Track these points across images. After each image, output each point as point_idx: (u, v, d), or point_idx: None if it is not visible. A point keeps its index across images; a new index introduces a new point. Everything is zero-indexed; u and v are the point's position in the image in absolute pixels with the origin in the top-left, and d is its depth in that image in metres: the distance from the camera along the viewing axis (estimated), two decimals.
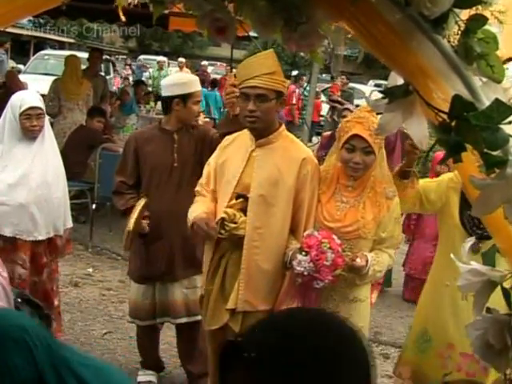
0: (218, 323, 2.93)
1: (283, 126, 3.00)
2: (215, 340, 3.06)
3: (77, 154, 6.55)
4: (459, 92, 1.18)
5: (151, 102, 10.62)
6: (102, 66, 13.14)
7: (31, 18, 17.44)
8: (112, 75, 16.28)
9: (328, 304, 2.91)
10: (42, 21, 18.04)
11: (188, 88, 3.53)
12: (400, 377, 3.36)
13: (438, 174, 4.33)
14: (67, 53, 10.17)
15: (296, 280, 2.77)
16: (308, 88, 11.34)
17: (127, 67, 21.16)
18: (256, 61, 2.86)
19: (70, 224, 3.92)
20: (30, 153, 3.64)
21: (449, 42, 1.26)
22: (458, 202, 3.03)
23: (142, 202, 3.45)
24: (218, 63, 25.28)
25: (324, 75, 17.90)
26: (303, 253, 2.70)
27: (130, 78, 16.77)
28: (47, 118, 3.98)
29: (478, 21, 1.17)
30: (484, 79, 1.22)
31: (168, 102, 3.52)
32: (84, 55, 9.47)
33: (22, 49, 21.87)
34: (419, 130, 1.35)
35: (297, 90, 12.57)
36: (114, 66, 17.93)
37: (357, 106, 7.57)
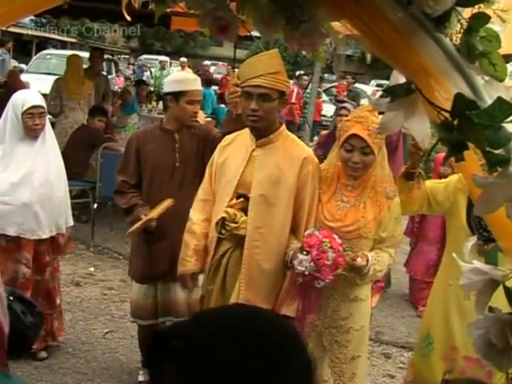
0: None
1: (284, 126, 3.00)
2: None
3: (78, 153, 6.55)
4: (461, 90, 1.18)
5: (153, 102, 10.62)
6: (104, 65, 13.16)
7: (33, 18, 17.46)
8: (114, 75, 16.28)
9: (329, 303, 2.91)
10: (44, 20, 18.06)
11: (181, 86, 3.51)
12: (406, 379, 3.37)
13: (441, 176, 4.32)
14: (69, 52, 10.18)
15: (297, 279, 2.76)
16: (309, 87, 11.34)
17: (131, 67, 21.17)
18: (260, 60, 2.85)
19: (71, 222, 3.95)
20: (32, 152, 3.66)
21: (451, 40, 1.26)
22: (466, 203, 3.01)
23: (170, 203, 3.42)
24: (220, 63, 25.26)
25: (327, 75, 17.88)
26: (304, 252, 2.70)
27: (132, 78, 16.77)
28: (48, 117, 3.99)
29: (481, 19, 1.17)
30: (486, 78, 1.22)
31: (164, 99, 3.57)
32: (86, 55, 9.46)
33: (24, 48, 21.88)
34: (421, 129, 1.35)
35: (295, 89, 12.53)
36: (116, 65, 17.92)
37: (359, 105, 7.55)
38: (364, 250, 2.85)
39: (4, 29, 18.93)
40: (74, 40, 23.96)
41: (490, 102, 1.14)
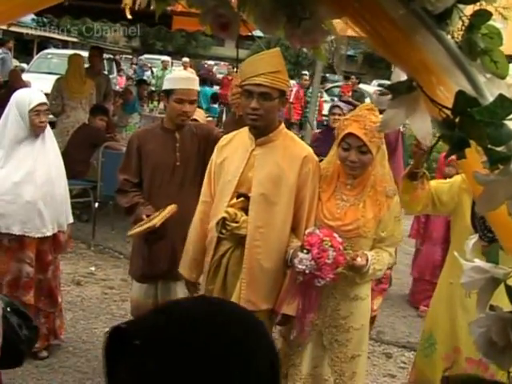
0: None
1: (283, 125, 2.99)
2: None
3: (79, 152, 6.56)
4: (463, 88, 1.17)
5: (154, 102, 10.63)
6: (105, 64, 13.17)
7: (35, 17, 17.47)
8: (115, 74, 16.28)
9: (329, 302, 2.91)
10: (45, 20, 18.07)
11: (171, 84, 3.52)
12: (409, 380, 3.37)
13: (445, 176, 4.30)
14: (70, 52, 10.19)
15: (297, 278, 2.76)
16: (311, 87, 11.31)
17: (133, 66, 21.20)
18: (262, 58, 2.85)
19: (71, 219, 3.98)
20: (33, 151, 3.67)
21: (452, 37, 1.25)
22: (470, 203, 3.00)
23: (173, 209, 3.40)
24: (222, 63, 25.29)
25: (328, 75, 17.88)
26: (304, 251, 2.70)
27: (133, 78, 16.78)
28: (50, 116, 4.00)
29: (482, 16, 1.16)
30: (488, 76, 1.22)
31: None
32: (87, 54, 9.47)
33: (26, 48, 21.90)
34: (423, 127, 1.35)
35: (294, 89, 12.51)
36: (119, 65, 17.93)
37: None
38: (364, 249, 2.85)
39: (5, 28, 18.97)
40: (75, 39, 23.98)
41: (491, 99, 1.13)
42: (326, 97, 15.27)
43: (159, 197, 3.51)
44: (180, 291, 3.52)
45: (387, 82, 1.39)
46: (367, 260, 2.79)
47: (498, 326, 1.24)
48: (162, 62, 17.65)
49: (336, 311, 2.92)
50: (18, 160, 3.63)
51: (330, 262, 2.66)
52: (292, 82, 12.90)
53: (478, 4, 1.21)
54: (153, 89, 12.94)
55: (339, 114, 5.79)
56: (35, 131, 3.66)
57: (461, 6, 1.22)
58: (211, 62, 20.44)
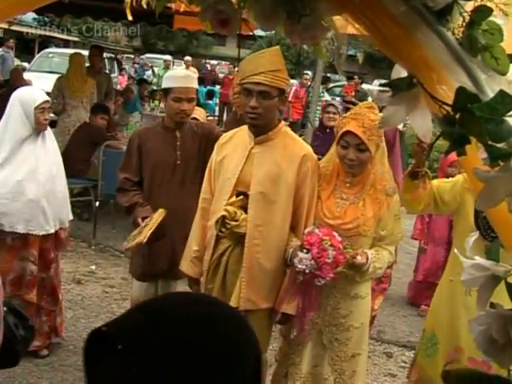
0: None
1: (282, 123, 2.98)
2: None
3: (80, 151, 6.56)
4: (463, 84, 1.17)
5: (156, 101, 10.63)
6: (107, 64, 13.16)
7: (36, 16, 17.48)
8: (116, 73, 16.28)
9: (329, 301, 2.90)
10: (46, 19, 18.09)
11: (168, 82, 3.52)
12: (410, 379, 3.36)
13: (448, 176, 4.27)
14: (72, 51, 10.19)
15: (297, 277, 2.75)
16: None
17: (135, 66, 21.20)
18: (262, 57, 2.84)
19: (71, 216, 4.00)
20: (35, 149, 3.69)
21: (453, 34, 1.25)
22: (473, 203, 2.99)
23: (161, 215, 3.40)
24: (223, 62, 25.30)
25: (329, 74, 17.88)
26: (304, 250, 2.69)
27: (134, 77, 16.80)
28: (51, 115, 4.00)
29: (483, 12, 1.16)
30: (489, 73, 1.21)
31: None
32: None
33: (27, 47, 21.91)
34: (423, 124, 1.34)
35: (293, 88, 12.49)
36: (120, 64, 17.93)
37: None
38: (364, 247, 2.84)
39: (7, 27, 18.97)
40: (76, 39, 23.98)
41: (492, 95, 1.13)
42: (327, 96, 15.25)
43: (159, 195, 3.51)
44: (180, 290, 3.52)
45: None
46: (367, 258, 2.78)
47: (499, 324, 1.23)
48: (165, 61, 17.68)
49: (336, 310, 2.91)
50: (21, 158, 3.64)
51: (330, 261, 2.65)
52: (293, 81, 12.89)
53: (479, 0, 1.21)
54: (154, 88, 12.94)
55: (334, 113, 5.79)
56: (39, 129, 3.68)
57: (461, 2, 1.22)
58: (214, 62, 20.43)
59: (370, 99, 11.69)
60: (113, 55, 18.56)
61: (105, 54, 12.61)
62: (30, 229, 3.67)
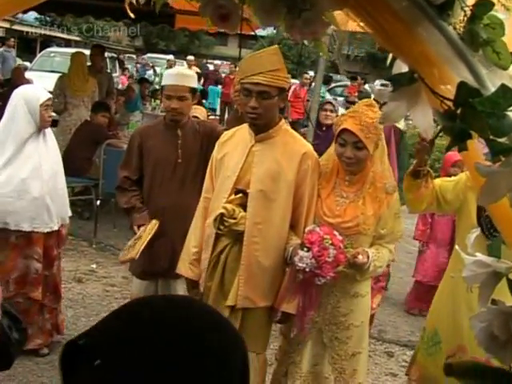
0: None
1: (283, 121, 2.98)
2: None
3: (82, 149, 6.57)
4: (465, 79, 1.16)
5: (157, 100, 10.63)
6: (108, 63, 13.15)
7: (38, 16, 17.49)
8: (118, 73, 16.29)
9: (329, 299, 2.89)
10: (48, 19, 18.10)
11: (163, 80, 3.57)
12: (409, 377, 3.34)
13: (450, 176, 4.25)
14: (73, 50, 10.20)
15: (297, 276, 2.74)
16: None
17: (137, 65, 21.23)
18: (261, 57, 2.82)
19: (70, 213, 4.01)
20: (38, 147, 3.72)
21: (454, 29, 1.24)
22: (476, 202, 2.97)
23: (153, 228, 3.41)
24: (224, 62, 25.33)
25: (331, 74, 17.88)
26: (305, 249, 2.68)
27: (135, 76, 16.84)
28: (52, 114, 4.01)
29: (485, 6, 1.15)
30: (490, 67, 1.20)
31: None
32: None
33: (29, 46, 21.93)
34: (424, 119, 1.33)
35: (292, 87, 12.45)
36: (123, 64, 17.96)
37: None
38: (364, 246, 2.83)
39: (8, 27, 18.95)
40: (78, 38, 24.01)
41: (493, 90, 1.12)
42: (328, 96, 15.26)
43: (160, 194, 3.50)
44: (180, 289, 3.52)
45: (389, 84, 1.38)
46: (368, 257, 2.77)
47: (500, 321, 1.22)
48: (168, 60, 17.72)
49: (336, 308, 2.90)
50: (25, 156, 3.66)
51: (331, 260, 2.65)
52: (294, 81, 12.87)
53: None
54: (156, 87, 12.94)
55: (331, 111, 5.78)
56: (43, 126, 3.71)
57: None
58: (218, 62, 20.47)
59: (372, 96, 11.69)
60: (114, 55, 18.56)
61: (106, 54, 12.62)
62: (34, 226, 3.69)
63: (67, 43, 23.32)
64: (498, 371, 1.20)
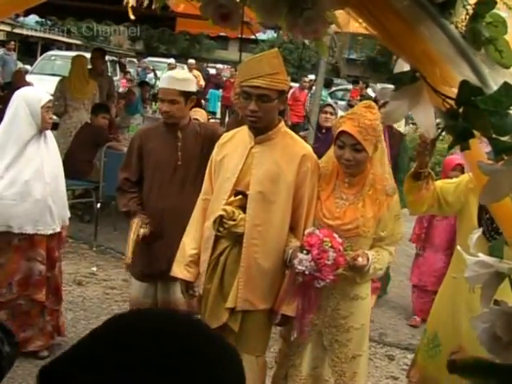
0: (216, 322, 2.87)
1: (282, 123, 2.96)
2: None
3: (82, 152, 6.56)
4: (467, 78, 1.15)
5: (158, 103, 10.63)
6: (109, 67, 13.16)
7: (39, 20, 17.51)
8: (118, 76, 16.31)
9: (328, 302, 2.88)
10: (49, 22, 18.13)
11: (159, 83, 3.53)
12: (410, 379, 3.33)
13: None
14: (74, 54, 10.22)
15: (297, 279, 2.72)
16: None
17: (138, 69, 21.26)
18: (260, 60, 2.80)
19: (69, 214, 4.01)
20: (39, 148, 3.72)
21: (456, 28, 1.24)
22: (477, 204, 2.96)
23: (136, 228, 3.42)
24: (225, 66, 25.37)
25: (331, 78, 17.89)
26: (304, 251, 2.66)
27: (136, 79, 16.87)
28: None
29: (487, 4, 1.14)
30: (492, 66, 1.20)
31: None
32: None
33: (30, 50, 21.96)
34: (426, 119, 1.33)
35: (291, 90, 12.45)
36: (124, 67, 17.99)
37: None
38: (364, 248, 2.82)
39: (9, 30, 18.98)
40: (79, 42, 24.05)
41: (496, 88, 1.11)
42: (329, 99, 15.27)
43: (159, 196, 3.50)
44: (179, 292, 3.50)
45: (390, 86, 1.37)
46: (368, 260, 2.76)
47: (503, 321, 1.22)
48: (169, 64, 17.79)
49: (336, 311, 2.89)
50: (27, 158, 3.66)
51: (330, 263, 2.63)
52: (294, 84, 12.87)
53: None
54: (157, 91, 12.96)
55: (331, 113, 5.77)
56: (44, 128, 3.71)
57: None
58: (220, 66, 20.46)
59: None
60: (115, 58, 18.60)
61: (107, 57, 12.62)
62: (38, 229, 3.69)
63: (68, 47, 23.37)
64: (501, 368, 1.19)
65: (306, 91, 13.02)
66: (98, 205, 6.53)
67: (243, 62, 3.04)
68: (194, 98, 3.56)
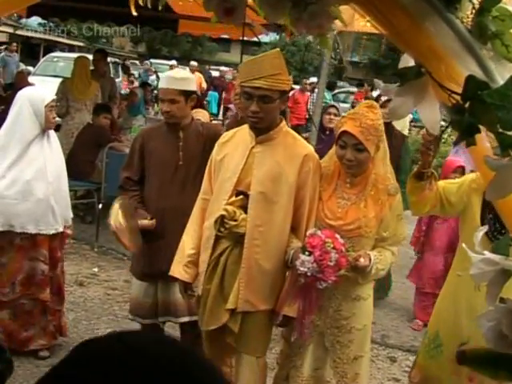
0: (216, 323, 2.86)
1: (284, 122, 2.93)
2: (211, 341, 3.00)
3: (84, 152, 6.56)
4: (473, 72, 1.14)
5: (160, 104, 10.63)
6: (111, 69, 13.17)
7: (41, 21, 17.55)
8: (120, 78, 16.33)
9: (330, 303, 2.86)
10: (52, 24, 18.14)
11: (159, 83, 3.54)
12: (411, 380, 3.31)
13: None
14: (76, 55, 10.22)
15: (299, 280, 2.70)
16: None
17: (141, 71, 21.30)
18: (262, 61, 2.77)
19: (71, 213, 4.00)
20: (43, 148, 3.72)
21: (462, 22, 1.23)
22: (480, 204, 2.95)
23: (117, 211, 3.40)
24: (227, 68, 25.41)
25: (334, 80, 17.90)
26: (306, 253, 2.64)
27: (134, 80, 16.91)
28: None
29: None
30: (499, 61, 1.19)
31: None
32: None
33: (32, 51, 21.99)
34: (431, 115, 1.32)
35: (291, 92, 12.46)
36: (128, 69, 18.02)
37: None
38: (366, 248, 2.80)
39: (12, 32, 19.00)
40: (81, 44, 24.09)
41: (502, 83, 1.10)
42: (332, 102, 15.28)
43: (160, 196, 3.48)
44: (179, 292, 3.49)
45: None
46: (370, 260, 2.75)
47: (509, 319, 1.20)
48: (171, 66, 17.84)
49: (338, 312, 2.87)
50: (30, 158, 3.66)
51: (333, 264, 2.62)
52: (296, 86, 12.87)
53: None
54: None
55: (334, 114, 5.76)
56: (48, 127, 3.71)
57: None
58: (225, 68, 20.46)
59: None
60: (118, 60, 18.63)
61: (109, 59, 12.61)
62: (40, 228, 3.69)
63: (71, 48, 23.40)
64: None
65: (308, 93, 13.02)
66: (100, 206, 6.51)
67: (244, 62, 3.03)
68: (195, 97, 3.55)
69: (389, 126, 4.06)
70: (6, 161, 3.62)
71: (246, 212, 2.80)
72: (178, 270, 3.02)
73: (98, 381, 0.71)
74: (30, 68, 15.05)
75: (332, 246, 2.63)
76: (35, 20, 16.49)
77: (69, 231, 3.93)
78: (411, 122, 13.22)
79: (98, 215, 6.50)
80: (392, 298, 5.65)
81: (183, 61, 24.94)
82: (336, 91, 17.93)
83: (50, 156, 3.73)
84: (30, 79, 10.50)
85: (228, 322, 2.84)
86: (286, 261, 2.81)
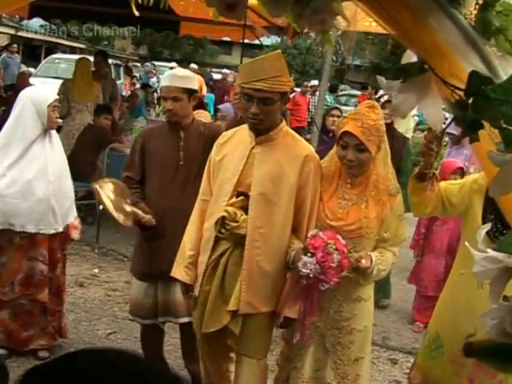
0: (216, 325, 2.83)
1: (284, 122, 2.91)
2: (210, 343, 2.99)
3: (85, 153, 6.56)
4: (476, 68, 1.13)
5: (161, 106, 10.63)
6: (113, 70, 13.18)
7: (43, 23, 17.55)
8: (122, 80, 16.34)
9: (331, 304, 2.85)
10: (53, 26, 18.15)
11: (160, 83, 3.53)
12: (411, 381, 3.30)
13: None
14: (78, 57, 10.24)
15: (301, 282, 2.68)
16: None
17: (142, 72, 21.31)
18: (263, 62, 2.75)
19: (75, 213, 4.02)
20: (44, 147, 3.73)
21: (466, 18, 1.22)
22: (482, 205, 2.94)
23: (101, 188, 3.46)
24: (229, 71, 25.44)
25: (336, 83, 17.94)
26: (308, 254, 2.62)
27: (135, 82, 16.92)
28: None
29: None
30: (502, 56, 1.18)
31: None
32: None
33: (34, 53, 22.01)
34: (435, 112, 1.31)
35: (292, 94, 12.46)
36: (131, 72, 18.03)
37: None
38: (367, 249, 2.79)
39: (13, 33, 19.02)
40: (82, 46, 24.12)
41: (505, 79, 1.09)
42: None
43: (161, 196, 3.47)
44: (179, 292, 3.47)
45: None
46: (371, 261, 2.73)
47: None
48: (171, 68, 17.81)
49: (338, 313, 2.86)
50: (31, 157, 3.66)
51: (335, 265, 2.60)
52: (296, 89, 12.87)
53: None
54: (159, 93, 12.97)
55: (338, 116, 5.76)
56: (50, 127, 3.71)
57: None
58: (227, 71, 20.46)
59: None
60: (119, 62, 18.65)
61: (111, 61, 12.61)
62: (40, 228, 3.69)
63: (72, 50, 23.42)
64: None
65: (309, 96, 13.02)
66: (101, 207, 6.50)
67: (245, 64, 3.00)
68: (197, 96, 3.54)
69: (390, 128, 4.05)
70: (7, 160, 3.61)
71: (246, 213, 2.79)
72: (179, 271, 3.00)
73: None
74: (32, 69, 15.06)
75: (334, 247, 2.61)
76: (37, 22, 16.49)
77: (75, 235, 3.90)
78: (417, 125, 13.21)
79: (99, 216, 6.49)
80: (393, 300, 5.64)
81: (184, 63, 24.97)
82: (338, 94, 17.96)
83: (52, 156, 3.73)
84: (32, 80, 10.50)
85: (229, 324, 2.82)
86: (288, 262, 2.79)
